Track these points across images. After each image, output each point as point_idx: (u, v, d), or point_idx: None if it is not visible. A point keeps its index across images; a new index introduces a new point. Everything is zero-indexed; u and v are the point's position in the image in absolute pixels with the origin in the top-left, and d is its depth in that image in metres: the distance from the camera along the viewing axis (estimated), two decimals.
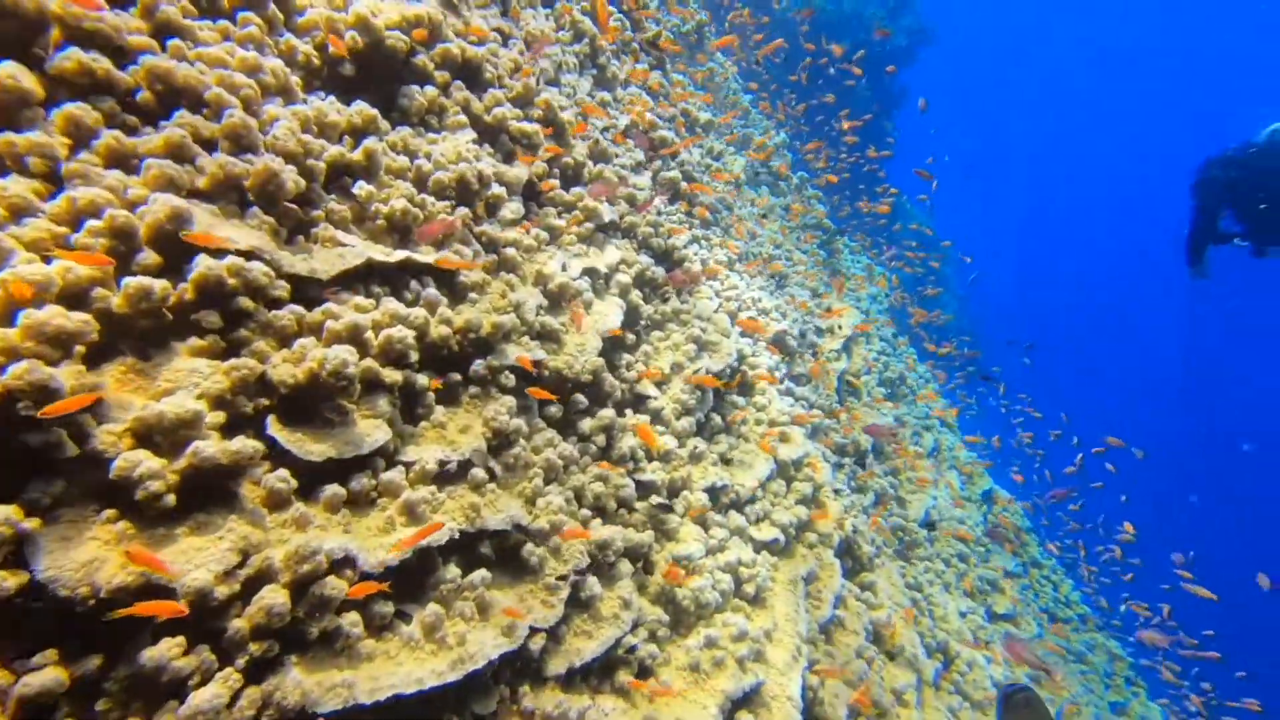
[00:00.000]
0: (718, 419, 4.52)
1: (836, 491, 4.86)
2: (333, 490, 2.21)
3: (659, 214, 5.66)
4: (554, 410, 3.37)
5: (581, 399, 3.49)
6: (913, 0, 17.87)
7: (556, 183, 4.29)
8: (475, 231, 3.50)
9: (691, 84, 9.18)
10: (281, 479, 2.05)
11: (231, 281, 2.15)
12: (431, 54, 3.77)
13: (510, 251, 3.57)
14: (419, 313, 2.84)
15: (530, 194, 4.19)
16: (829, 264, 10.52)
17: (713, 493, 4.01)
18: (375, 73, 3.54)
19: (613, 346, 4.21)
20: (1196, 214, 5.11)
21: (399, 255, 2.92)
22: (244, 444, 1.94)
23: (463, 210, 3.38)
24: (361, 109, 3.20)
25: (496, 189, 3.64)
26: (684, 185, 6.14)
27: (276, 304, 2.39)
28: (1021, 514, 8.84)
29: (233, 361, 2.08)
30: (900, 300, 13.12)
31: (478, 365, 3.02)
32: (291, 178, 2.54)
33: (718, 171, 7.89)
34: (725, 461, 4.37)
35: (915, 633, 4.48)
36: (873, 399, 7.59)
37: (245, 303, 2.21)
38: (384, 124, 3.36)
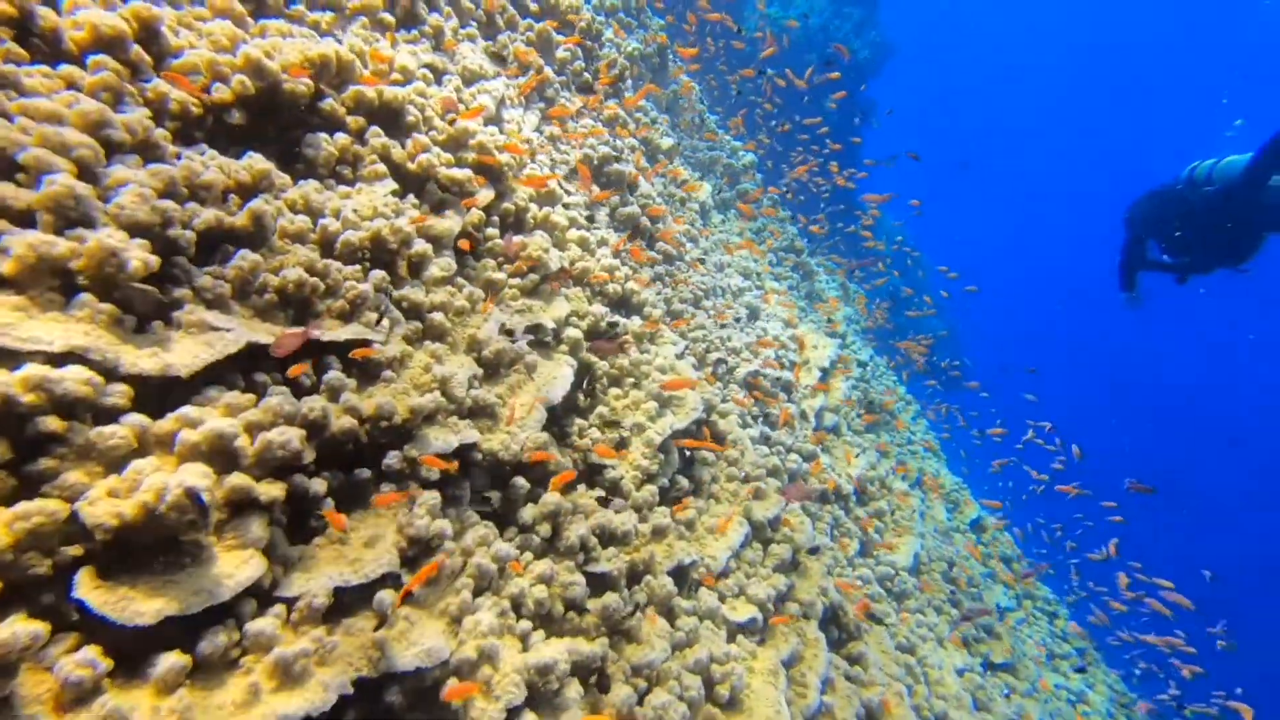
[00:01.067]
0: (684, 481, 4.06)
1: (815, 551, 4.41)
2: (168, 663, 1.71)
3: (616, 257, 5.24)
4: (492, 498, 2.89)
5: (523, 482, 3.02)
6: (876, 15, 17.97)
7: (495, 231, 3.85)
8: (395, 297, 3.03)
9: (654, 108, 8.85)
10: (84, 663, 1.55)
11: (27, 398, 1.67)
12: (344, 97, 3.33)
13: (437, 317, 3.11)
14: (316, 403, 2.36)
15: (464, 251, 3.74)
16: (803, 287, 10.19)
17: (680, 573, 3.55)
18: (277, 119, 3.08)
19: (564, 410, 3.75)
20: (1127, 242, 5.52)
21: (294, 340, 2.45)
22: (15, 630, 1.45)
23: (376, 274, 2.92)
24: (251, 163, 2.73)
25: (420, 245, 3.19)
26: (644, 220, 5.74)
27: (110, 416, 1.90)
28: (1013, 541, 8.46)
29: (20, 508, 1.58)
30: (882, 319, 12.85)
31: (391, 459, 2.54)
32: (139, 255, 2.06)
33: (689, 186, 7.53)
34: (691, 527, 3.91)
35: (910, 707, 4.02)
36: (853, 431, 7.19)
37: (51, 424, 1.72)
38: (283, 178, 2.90)
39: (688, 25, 10.15)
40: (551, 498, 3.01)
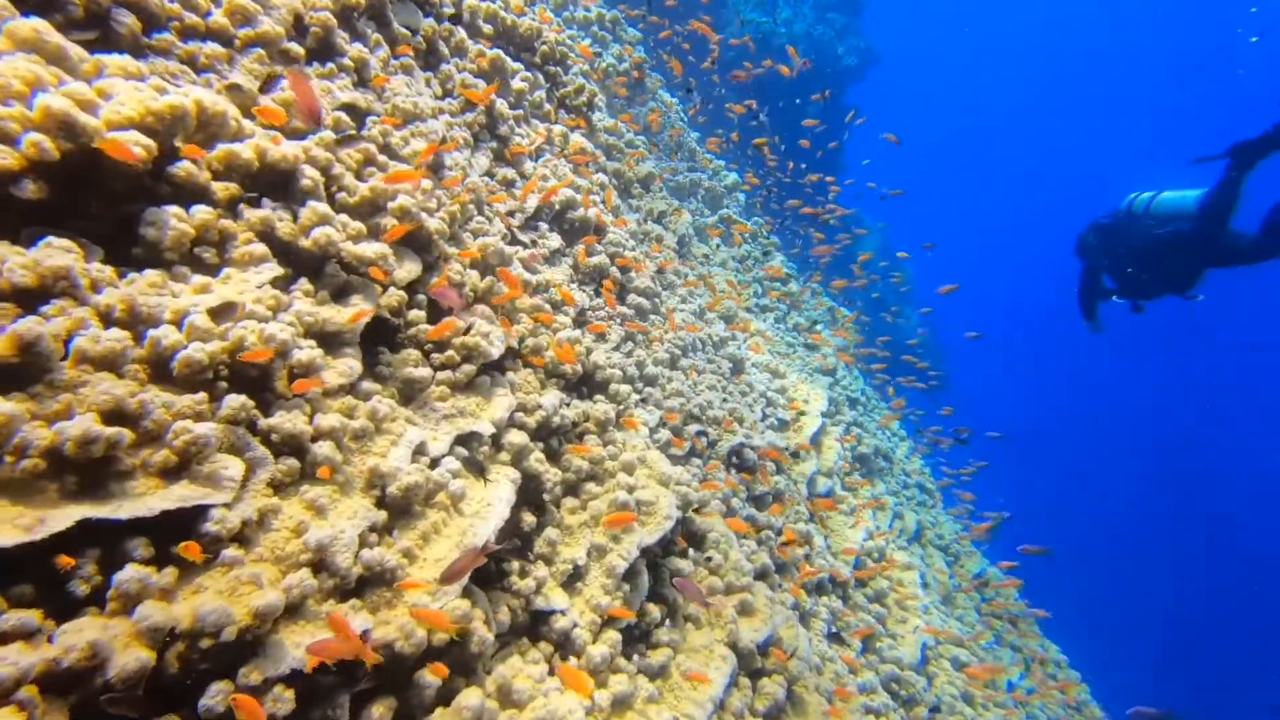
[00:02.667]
0: (654, 610, 3.31)
1: (819, 669, 3.67)
2: None
3: (578, 325, 4.48)
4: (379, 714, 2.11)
5: (429, 680, 2.24)
6: (859, 21, 17.47)
7: (421, 314, 3.08)
8: (264, 427, 2.25)
9: (629, 131, 8.11)
10: None
11: None
12: (210, 158, 2.55)
13: (323, 449, 2.33)
14: (89, 631, 1.59)
15: (381, 336, 2.97)
16: (791, 319, 9.49)
17: None
18: (104, 191, 2.30)
19: (506, 533, 2.99)
20: (1083, 273, 5.52)
21: (59, 520, 1.67)
22: None
23: (233, 402, 2.14)
24: (38, 258, 1.95)
25: (305, 352, 2.41)
26: (614, 270, 4.99)
27: None
28: (1015, 595, 7.79)
29: None
30: (858, 340, 12.19)
31: (213, 697, 1.75)
32: None
33: (665, 229, 6.80)
34: (665, 674, 3.16)
35: None
36: (847, 488, 6.48)
37: None
38: (99, 273, 2.11)
39: (665, 33, 9.42)
40: (471, 698, 2.24)
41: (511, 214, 4.58)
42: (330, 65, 3.49)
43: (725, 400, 5.23)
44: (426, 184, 3.62)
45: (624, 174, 6.48)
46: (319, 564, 2.10)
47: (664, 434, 4.57)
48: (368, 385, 2.72)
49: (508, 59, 5.04)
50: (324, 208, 2.75)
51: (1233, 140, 4.44)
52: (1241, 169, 4.41)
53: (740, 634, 3.55)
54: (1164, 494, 40.05)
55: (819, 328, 9.68)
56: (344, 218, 2.88)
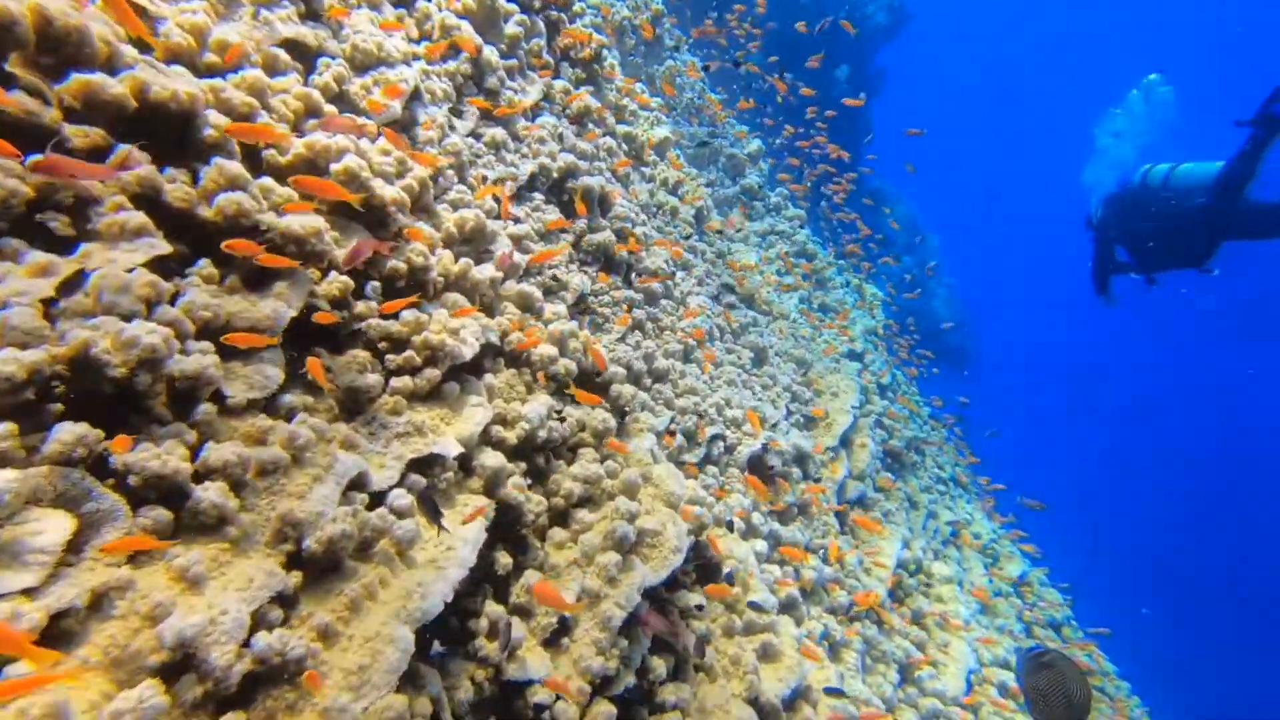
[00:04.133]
0: (658, 664, 2.70)
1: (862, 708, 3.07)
2: None
3: (582, 312, 3.82)
4: None
5: None
6: None
7: (373, 304, 2.43)
8: (120, 466, 1.64)
9: (647, 89, 7.31)
10: None
11: None
12: (60, 89, 1.89)
13: (209, 493, 1.71)
14: None
15: (318, 337, 2.33)
16: (816, 298, 8.72)
17: None
18: None
19: (479, 579, 2.38)
20: (1096, 247, 5.39)
21: None
22: None
23: (65, 433, 1.52)
24: None
25: (192, 361, 1.78)
26: (618, 248, 4.29)
27: None
28: (1061, 600, 7.11)
29: None
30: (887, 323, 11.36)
31: None
32: None
33: (689, 198, 6.04)
34: None
35: None
36: (879, 489, 5.80)
37: None
38: None
39: None
40: None
41: (501, 182, 3.89)
42: None
43: (747, 392, 4.55)
44: (387, 143, 2.95)
45: (636, 138, 5.72)
46: (183, 664, 1.49)
47: (678, 436, 3.92)
48: (292, 399, 2.09)
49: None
50: (235, 167, 2.08)
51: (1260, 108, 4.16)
52: (1264, 139, 4.22)
53: (762, 686, 2.94)
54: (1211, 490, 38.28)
55: (846, 304, 8.90)
56: (268, 182, 2.22)
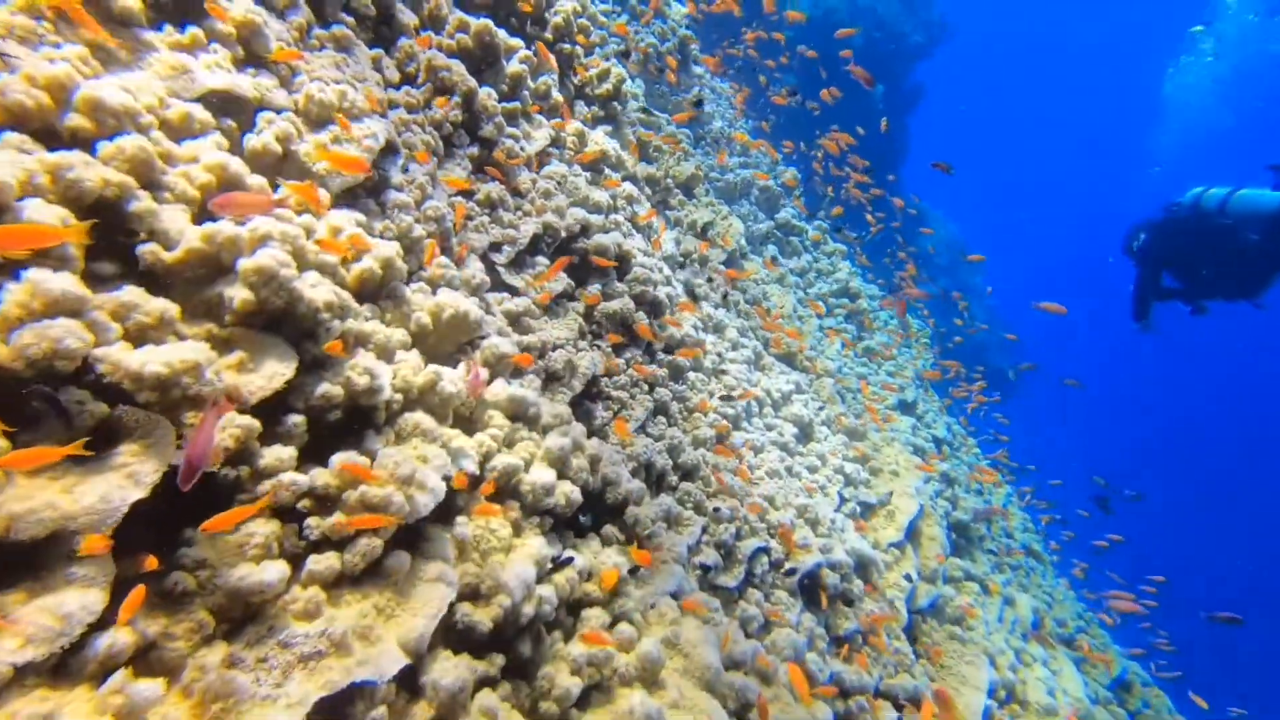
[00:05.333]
0: None
1: None
2: None
3: (594, 399, 3.14)
4: None
5: None
6: None
7: (290, 453, 1.77)
8: None
9: (671, 122, 6.67)
10: None
11: None
12: None
13: None
14: None
15: (200, 506, 1.67)
16: (861, 342, 7.88)
17: None
18: None
19: None
20: (1139, 272, 5.20)
21: None
22: None
23: None
24: None
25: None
26: (639, 318, 3.60)
27: None
28: (1169, 708, 6.04)
29: None
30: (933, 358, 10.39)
31: None
32: None
33: (724, 239, 5.34)
34: None
35: None
36: (949, 580, 4.92)
37: None
38: None
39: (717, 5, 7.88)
40: None
41: (497, 247, 3.25)
42: (192, 31, 2.20)
43: (790, 470, 3.77)
44: (349, 219, 2.32)
45: (659, 179, 5.06)
46: None
47: (709, 554, 3.17)
48: (122, 637, 1.42)
49: (502, 33, 3.69)
50: (59, 285, 1.44)
51: None
52: None
53: None
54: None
55: (891, 347, 8.02)
56: (131, 297, 1.58)
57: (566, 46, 4.35)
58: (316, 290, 1.89)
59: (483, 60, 3.62)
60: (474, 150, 3.33)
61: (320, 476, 1.76)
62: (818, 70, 9.49)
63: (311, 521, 1.72)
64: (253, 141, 2.25)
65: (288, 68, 2.52)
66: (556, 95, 3.99)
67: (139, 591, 1.34)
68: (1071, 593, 6.83)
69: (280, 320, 1.84)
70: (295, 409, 1.83)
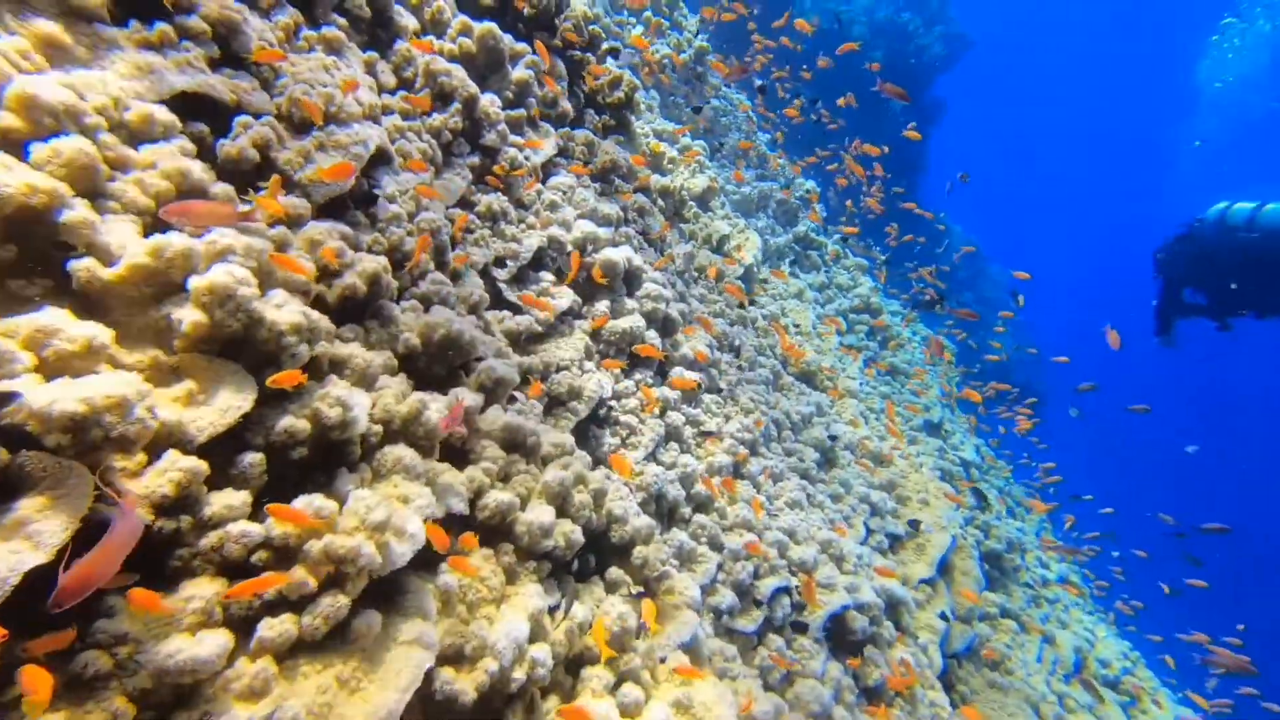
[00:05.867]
0: None
1: None
2: None
3: (601, 424, 2.90)
4: None
5: None
6: (948, 7, 15.14)
7: (235, 500, 1.54)
8: None
9: (684, 134, 6.47)
10: None
11: None
12: None
13: None
14: None
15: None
16: (885, 358, 7.55)
17: None
18: None
19: None
20: (1162, 288, 5.14)
21: None
22: None
23: None
24: None
25: None
26: (649, 337, 3.35)
27: None
28: None
29: None
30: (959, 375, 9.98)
31: None
32: None
33: (732, 256, 5.08)
34: None
35: None
36: (985, 619, 4.56)
37: None
38: None
39: (727, 14, 7.69)
40: None
41: (500, 262, 3.03)
42: (161, 28, 2.01)
43: (807, 503, 3.46)
44: (331, 232, 2.11)
45: (673, 191, 4.83)
46: None
47: (724, 596, 2.89)
48: None
49: (507, 37, 3.50)
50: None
51: None
52: None
53: None
54: None
55: (907, 359, 7.67)
56: (53, 321, 1.36)
57: (577, 54, 4.16)
58: (282, 311, 1.67)
59: (487, 66, 3.42)
60: (475, 159, 3.12)
61: (278, 525, 1.52)
62: (835, 82, 9.27)
63: (269, 582, 1.48)
64: (227, 147, 2.05)
65: (271, 69, 2.33)
66: (565, 104, 3.79)
67: (43, 685, 1.09)
68: (1114, 627, 6.40)
69: (239, 345, 1.61)
70: (254, 446, 1.60)
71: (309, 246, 2.02)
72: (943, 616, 3.98)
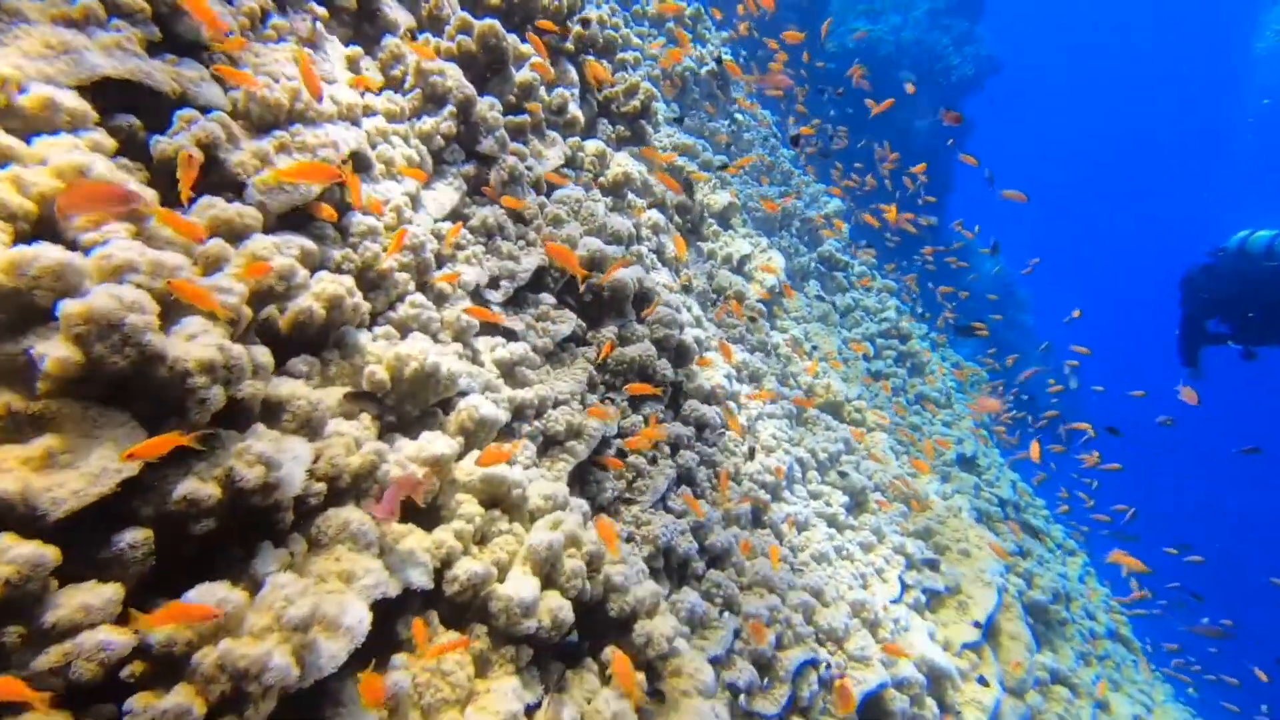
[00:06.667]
0: None
1: None
2: None
3: (603, 467, 2.50)
4: None
5: None
6: (979, 27, 14.77)
7: (99, 599, 1.18)
8: None
9: (708, 146, 6.12)
10: None
11: None
12: None
13: None
14: None
15: None
16: (913, 386, 7.06)
17: None
18: None
19: None
20: (1184, 317, 5.08)
21: None
22: None
23: None
24: None
25: None
26: (660, 365, 2.96)
27: None
28: None
29: None
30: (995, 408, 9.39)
31: None
32: None
33: (764, 267, 4.65)
34: None
35: None
36: (1037, 687, 4.03)
37: None
38: None
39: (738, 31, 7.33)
40: None
41: (493, 282, 2.67)
42: (83, 1, 1.69)
43: (841, 548, 3.01)
44: (293, 246, 1.77)
45: (691, 207, 4.46)
46: None
47: (741, 670, 2.46)
48: None
49: (513, 38, 3.17)
50: None
51: None
52: None
53: None
54: None
55: (938, 388, 7.16)
56: None
57: (589, 59, 3.83)
58: (192, 345, 1.31)
59: (488, 66, 3.10)
60: (469, 168, 2.78)
61: (160, 631, 1.15)
62: (859, 100, 8.90)
63: (135, 703, 1.10)
64: (163, 144, 1.72)
65: (227, 59, 2.01)
66: (574, 110, 3.45)
67: None
68: (1170, 686, 5.78)
69: (130, 388, 1.25)
70: (141, 519, 1.23)
71: (252, 261, 1.67)
72: (982, 682, 3.49)
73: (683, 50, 6.39)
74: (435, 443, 1.84)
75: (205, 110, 1.87)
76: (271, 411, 1.52)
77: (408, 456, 1.77)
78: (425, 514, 1.83)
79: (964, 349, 9.74)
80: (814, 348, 5.66)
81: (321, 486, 1.50)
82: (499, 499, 1.94)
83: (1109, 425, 5.45)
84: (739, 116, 7.64)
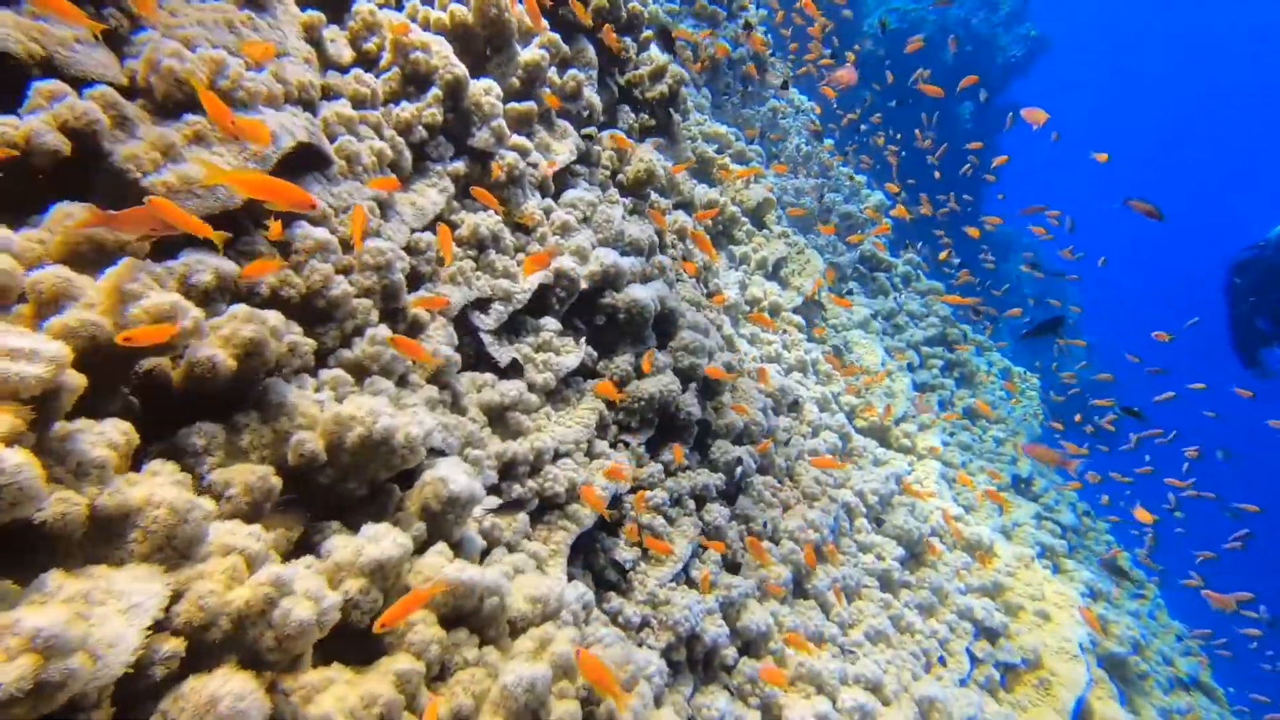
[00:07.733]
0: None
1: None
2: None
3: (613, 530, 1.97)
4: None
5: None
6: (1029, 6, 13.77)
7: None
8: None
9: (740, 135, 5.53)
10: None
11: None
12: None
13: None
14: None
15: None
16: (961, 399, 6.39)
17: None
18: None
19: None
20: (1231, 319, 4.77)
21: None
22: None
23: None
24: None
25: None
26: (684, 404, 2.42)
27: None
28: None
29: None
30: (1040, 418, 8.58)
31: None
32: None
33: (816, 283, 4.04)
34: None
35: None
36: None
37: None
38: None
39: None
40: None
41: (486, 303, 2.15)
42: None
43: (900, 649, 2.45)
44: (206, 268, 1.28)
45: (724, 206, 3.88)
46: None
47: None
48: None
49: (519, 7, 2.63)
50: None
51: None
52: None
53: None
54: None
55: (997, 407, 6.45)
56: None
57: (609, 37, 3.27)
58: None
59: (488, 42, 2.56)
60: (459, 165, 2.26)
61: None
62: (904, 88, 8.13)
63: None
64: (8, 130, 1.24)
65: (124, 18, 1.51)
66: (589, 94, 2.89)
67: None
68: None
69: None
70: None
71: (117, 300, 1.18)
72: None
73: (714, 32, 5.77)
74: (381, 541, 1.34)
75: (87, 83, 1.38)
76: (102, 530, 1.02)
77: (337, 564, 1.27)
78: (361, 642, 1.33)
79: (1023, 357, 8.94)
80: (859, 360, 5.05)
81: (175, 646, 1.00)
82: (465, 614, 1.43)
83: (1133, 408, 4.77)
84: (775, 101, 6.97)
